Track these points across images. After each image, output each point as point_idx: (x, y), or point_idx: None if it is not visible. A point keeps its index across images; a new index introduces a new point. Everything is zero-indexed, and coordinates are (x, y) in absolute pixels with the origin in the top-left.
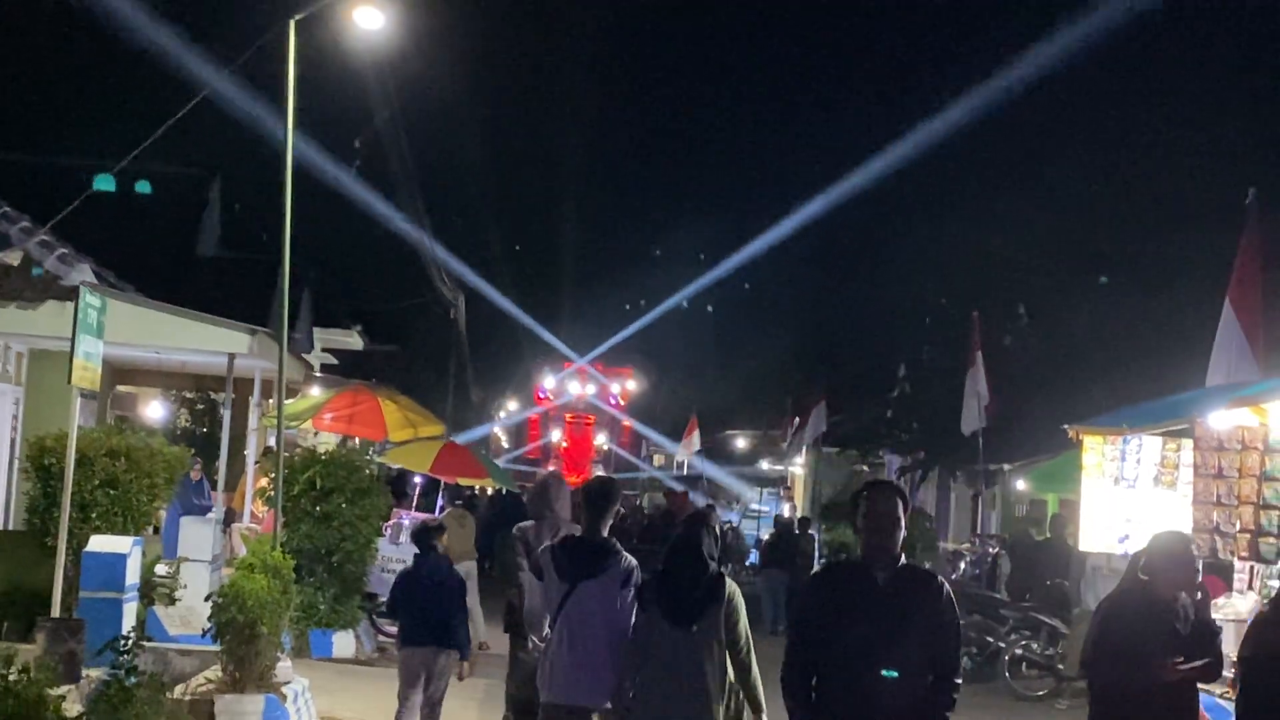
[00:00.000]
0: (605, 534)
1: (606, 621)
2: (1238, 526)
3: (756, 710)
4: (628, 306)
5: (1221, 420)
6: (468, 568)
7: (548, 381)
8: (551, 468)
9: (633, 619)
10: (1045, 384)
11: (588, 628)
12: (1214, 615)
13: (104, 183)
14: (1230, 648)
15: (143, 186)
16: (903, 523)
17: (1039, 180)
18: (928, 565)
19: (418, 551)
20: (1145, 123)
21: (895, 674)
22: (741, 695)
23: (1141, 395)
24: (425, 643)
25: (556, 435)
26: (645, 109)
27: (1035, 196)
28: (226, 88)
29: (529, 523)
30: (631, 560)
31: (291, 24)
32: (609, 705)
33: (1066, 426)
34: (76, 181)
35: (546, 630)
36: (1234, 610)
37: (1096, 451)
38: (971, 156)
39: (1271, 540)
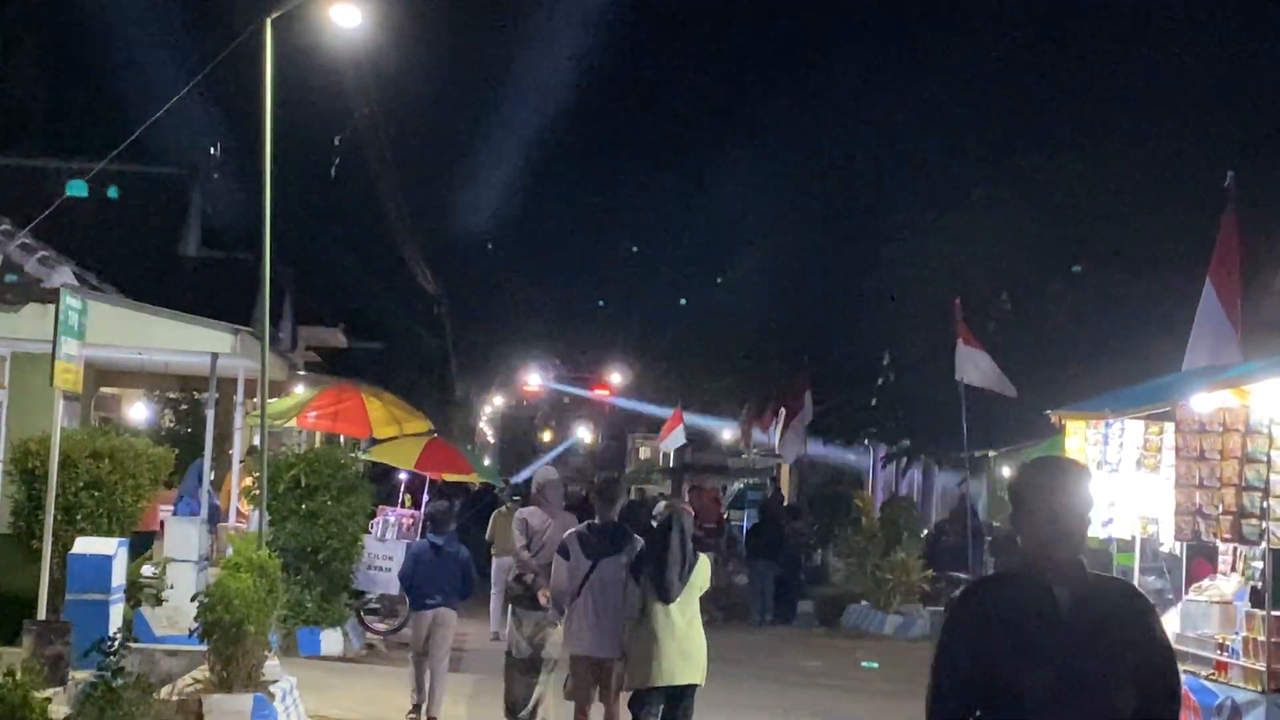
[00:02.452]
0: (616, 519)
1: (623, 591)
2: (1220, 509)
3: None
4: (602, 302)
5: (1203, 403)
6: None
7: (533, 377)
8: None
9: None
10: (1028, 371)
11: (608, 597)
12: (1199, 597)
13: (78, 187)
14: (1214, 630)
15: (112, 192)
16: (1089, 518)
17: (1018, 166)
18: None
19: (434, 530)
20: (1125, 105)
21: None
22: None
23: (1123, 380)
24: (435, 605)
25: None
26: (625, 104)
27: (1019, 184)
28: (204, 87)
29: (529, 508)
30: (641, 541)
31: (268, 22)
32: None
33: (1050, 412)
34: (55, 184)
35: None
36: (1218, 592)
37: (1079, 436)
38: (953, 145)
39: (1254, 521)
